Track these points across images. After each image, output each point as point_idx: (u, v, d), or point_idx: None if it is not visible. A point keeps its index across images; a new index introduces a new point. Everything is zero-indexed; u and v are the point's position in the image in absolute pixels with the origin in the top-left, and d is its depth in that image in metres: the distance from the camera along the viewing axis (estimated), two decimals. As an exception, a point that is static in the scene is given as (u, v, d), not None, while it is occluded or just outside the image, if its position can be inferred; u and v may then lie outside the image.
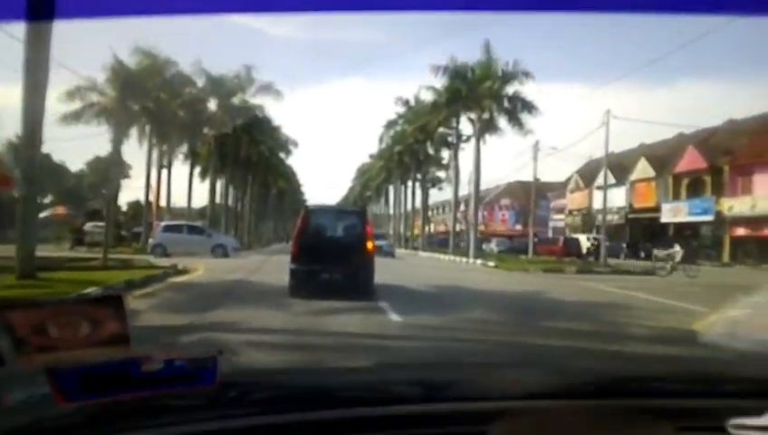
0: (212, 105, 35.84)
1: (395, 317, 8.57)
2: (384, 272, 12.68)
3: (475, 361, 3.08)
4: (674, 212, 41.59)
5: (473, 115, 29.30)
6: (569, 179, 59.96)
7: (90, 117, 28.16)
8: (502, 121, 29.81)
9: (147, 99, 29.67)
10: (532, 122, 29.73)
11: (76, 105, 29.13)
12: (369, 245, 11.46)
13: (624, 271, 22.46)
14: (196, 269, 17.23)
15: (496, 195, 73.81)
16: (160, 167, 35.90)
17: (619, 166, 52.53)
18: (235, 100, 34.75)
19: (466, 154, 39.17)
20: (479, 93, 27.84)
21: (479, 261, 26.84)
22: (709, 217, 37.75)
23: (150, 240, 28.08)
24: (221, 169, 42.66)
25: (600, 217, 53.55)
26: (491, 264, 25.16)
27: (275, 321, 7.89)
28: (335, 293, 10.58)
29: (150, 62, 30.47)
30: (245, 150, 43.45)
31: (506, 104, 28.51)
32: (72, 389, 0.82)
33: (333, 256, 11.03)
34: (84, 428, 0.99)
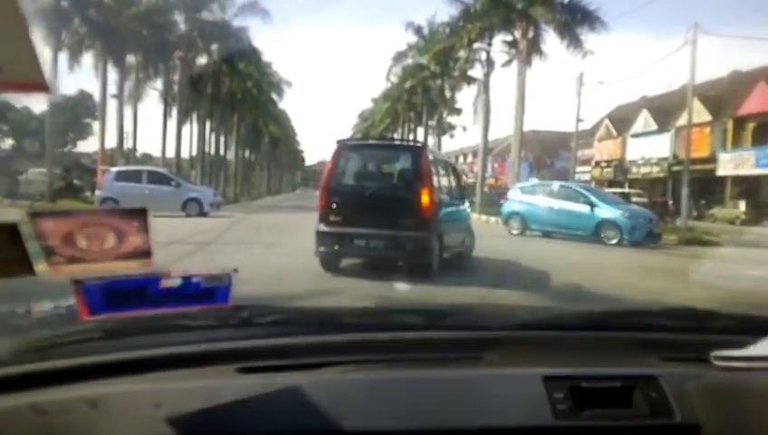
0: (182, 24, 28.70)
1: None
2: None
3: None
4: (735, 163, 35.11)
5: (516, 32, 22.36)
6: (597, 126, 53.06)
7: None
8: (550, 42, 22.98)
9: (87, 6, 22.59)
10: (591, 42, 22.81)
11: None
12: (425, 198, 7.48)
13: (745, 240, 15.97)
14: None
15: (508, 145, 67.92)
16: (120, 101, 29.19)
17: (661, 109, 45.85)
18: (209, 15, 27.57)
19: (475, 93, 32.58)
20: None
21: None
22: (784, 170, 31.34)
23: (98, 192, 21.70)
24: (197, 105, 35.78)
25: (634, 169, 47.65)
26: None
27: None
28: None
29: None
30: (228, 84, 36.54)
31: (560, 15, 21.53)
32: (96, 303, 0.84)
33: (370, 214, 7.64)
34: (103, 341, 1.04)
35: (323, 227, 7.68)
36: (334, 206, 7.73)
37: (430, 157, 8.19)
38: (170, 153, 34.83)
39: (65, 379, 0.97)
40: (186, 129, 38.97)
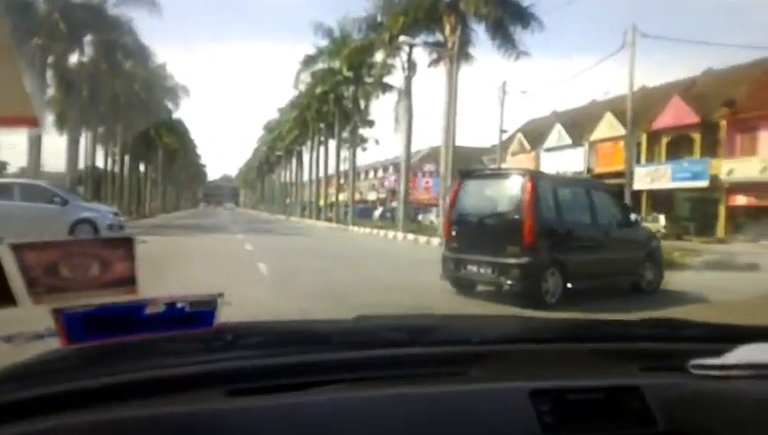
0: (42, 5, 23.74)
1: None
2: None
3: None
4: (651, 177, 34.80)
5: (445, 29, 19.75)
6: (510, 140, 52.43)
7: None
8: (479, 45, 20.67)
9: None
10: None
11: None
12: (527, 223, 7.59)
13: (726, 262, 13.76)
14: None
15: (419, 160, 66.76)
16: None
17: (574, 124, 45.81)
18: (79, -2, 22.84)
19: (390, 104, 30.14)
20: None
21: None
22: (702, 183, 31.23)
23: None
24: (72, 109, 30.40)
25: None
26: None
27: None
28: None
29: None
30: (110, 85, 31.42)
31: (492, 10, 19.16)
32: (77, 330, 0.85)
33: (481, 241, 8.14)
34: (86, 369, 1.02)
35: (446, 253, 8.66)
36: (453, 233, 8.66)
37: (545, 182, 8.43)
38: (57, 166, 29.25)
39: (44, 408, 0.91)
40: (64, 139, 33.35)
